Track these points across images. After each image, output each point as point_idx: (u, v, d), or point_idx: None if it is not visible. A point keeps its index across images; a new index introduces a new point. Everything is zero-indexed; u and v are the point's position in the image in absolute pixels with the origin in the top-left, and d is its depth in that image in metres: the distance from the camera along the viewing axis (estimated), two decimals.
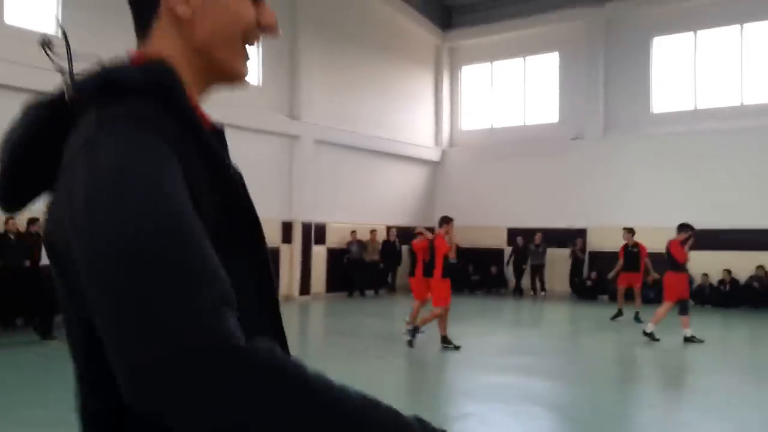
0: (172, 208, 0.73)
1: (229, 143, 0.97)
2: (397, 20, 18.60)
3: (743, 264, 14.93)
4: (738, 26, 16.09)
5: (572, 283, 17.17)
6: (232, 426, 0.68)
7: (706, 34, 16.55)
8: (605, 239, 16.23)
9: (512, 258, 17.83)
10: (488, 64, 20.02)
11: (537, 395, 6.73)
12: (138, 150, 0.75)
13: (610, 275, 13.69)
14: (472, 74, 20.49)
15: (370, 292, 17.08)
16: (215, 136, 0.92)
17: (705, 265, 14.54)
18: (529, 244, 17.48)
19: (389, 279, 17.64)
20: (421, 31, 19.43)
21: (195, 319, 0.68)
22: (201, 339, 0.68)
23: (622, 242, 12.84)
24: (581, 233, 17.33)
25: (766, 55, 15.78)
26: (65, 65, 0.85)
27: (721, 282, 15.09)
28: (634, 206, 16.32)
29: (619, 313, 12.54)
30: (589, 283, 16.76)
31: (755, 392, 7.06)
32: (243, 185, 0.93)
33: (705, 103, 16.47)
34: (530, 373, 7.79)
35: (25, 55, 10.80)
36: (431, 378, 7.97)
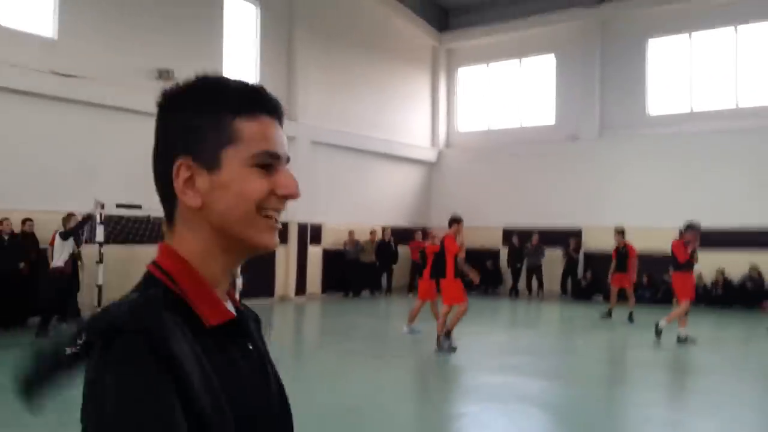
0: None
1: None
2: (393, 21, 18.64)
3: (737, 264, 15.00)
4: (732, 28, 16.17)
5: (563, 284, 17.22)
6: None
7: (701, 36, 16.63)
8: (600, 240, 16.27)
9: (508, 258, 17.86)
10: (484, 65, 20.08)
11: (533, 395, 6.75)
12: (136, 395, 0.78)
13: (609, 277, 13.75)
14: (469, 75, 20.55)
15: (365, 293, 17.10)
16: (224, 329, 0.93)
17: (699, 265, 14.55)
18: (526, 245, 17.52)
19: (384, 279, 17.64)
20: (417, 33, 19.47)
21: None
22: None
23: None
24: (576, 234, 17.38)
25: (760, 57, 15.86)
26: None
27: (715, 282, 15.15)
28: (629, 207, 16.35)
29: (608, 314, 12.65)
30: (583, 283, 16.82)
31: (749, 392, 7.10)
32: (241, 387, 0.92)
33: (700, 105, 16.54)
34: (526, 373, 7.82)
35: (20, 57, 10.81)
36: (427, 378, 7.99)
